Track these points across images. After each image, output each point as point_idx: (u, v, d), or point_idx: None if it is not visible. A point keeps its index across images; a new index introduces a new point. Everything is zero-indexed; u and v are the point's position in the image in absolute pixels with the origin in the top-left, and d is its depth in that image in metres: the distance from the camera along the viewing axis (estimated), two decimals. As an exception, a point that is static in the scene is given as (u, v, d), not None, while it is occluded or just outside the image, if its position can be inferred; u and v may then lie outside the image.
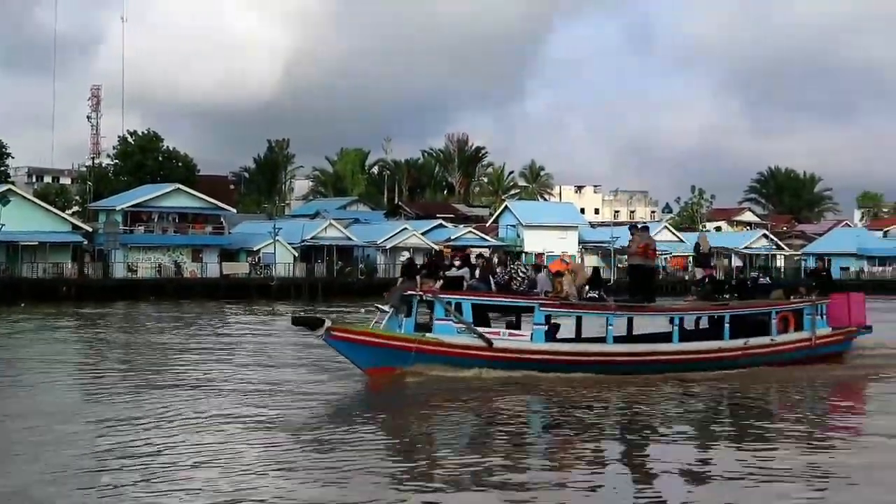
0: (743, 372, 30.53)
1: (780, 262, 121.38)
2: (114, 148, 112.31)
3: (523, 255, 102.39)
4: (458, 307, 28.70)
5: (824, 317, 33.68)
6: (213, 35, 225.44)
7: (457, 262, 30.94)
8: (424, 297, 28.92)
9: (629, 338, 31.81)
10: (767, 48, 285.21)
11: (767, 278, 35.69)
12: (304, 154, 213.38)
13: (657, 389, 27.90)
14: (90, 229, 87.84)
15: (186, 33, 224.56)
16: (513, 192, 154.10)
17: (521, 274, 30.49)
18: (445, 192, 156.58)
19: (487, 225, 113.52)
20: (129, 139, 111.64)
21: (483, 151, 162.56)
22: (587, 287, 30.72)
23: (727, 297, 33.49)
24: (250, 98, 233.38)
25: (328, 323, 28.84)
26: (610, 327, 29.93)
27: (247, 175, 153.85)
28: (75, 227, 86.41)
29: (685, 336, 31.36)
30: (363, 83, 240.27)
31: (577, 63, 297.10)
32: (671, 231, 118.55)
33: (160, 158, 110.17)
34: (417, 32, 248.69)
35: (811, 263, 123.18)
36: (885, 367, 33.22)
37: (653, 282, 33.41)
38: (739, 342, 31.33)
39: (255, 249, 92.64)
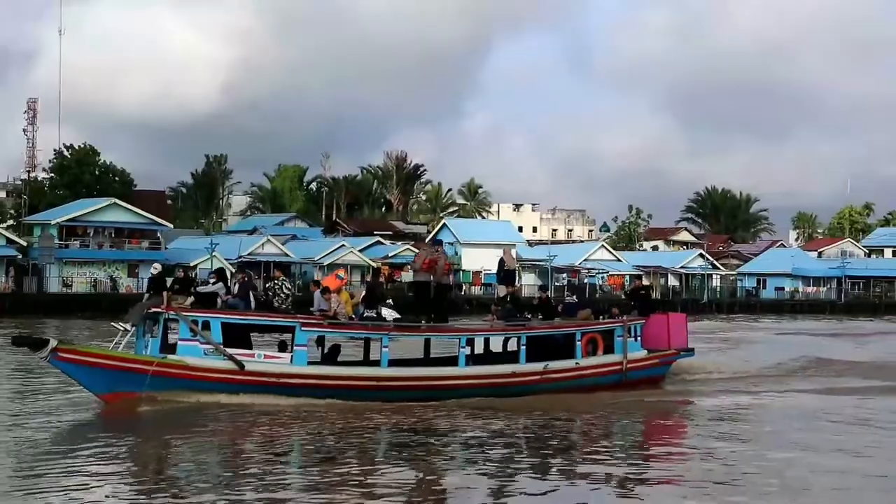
0: (543, 398, 28.12)
1: (715, 282, 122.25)
2: (50, 161, 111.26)
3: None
4: (206, 325, 26.11)
5: (639, 339, 31.52)
6: (151, 49, 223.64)
7: (212, 278, 28.76)
8: (170, 315, 26.37)
9: (426, 361, 29.92)
10: (704, 69, 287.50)
11: (575, 297, 33.86)
12: (242, 170, 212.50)
13: (434, 417, 25.76)
14: (25, 243, 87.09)
15: (124, 47, 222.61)
16: (451, 209, 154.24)
17: (284, 291, 28.66)
18: (383, 209, 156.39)
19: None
20: (66, 153, 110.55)
21: (422, 169, 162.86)
22: (363, 305, 28.64)
23: (530, 316, 31.50)
24: (188, 113, 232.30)
25: (54, 343, 25.59)
26: (384, 349, 27.53)
27: (184, 190, 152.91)
28: (9, 242, 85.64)
29: (477, 359, 29.25)
30: (302, 99, 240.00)
31: (516, 81, 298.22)
32: (608, 250, 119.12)
33: (97, 173, 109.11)
34: (356, 49, 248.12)
35: (747, 283, 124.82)
36: (703, 394, 31.57)
37: (444, 300, 30.80)
38: (538, 366, 29.08)
39: (191, 265, 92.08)
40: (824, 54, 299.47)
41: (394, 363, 28.36)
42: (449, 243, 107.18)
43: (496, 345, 30.47)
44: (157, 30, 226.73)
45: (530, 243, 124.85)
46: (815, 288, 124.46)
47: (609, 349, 30.58)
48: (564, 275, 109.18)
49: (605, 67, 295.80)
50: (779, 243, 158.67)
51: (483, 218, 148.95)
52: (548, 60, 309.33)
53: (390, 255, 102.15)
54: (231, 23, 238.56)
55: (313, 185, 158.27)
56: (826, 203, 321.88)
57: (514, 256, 37.82)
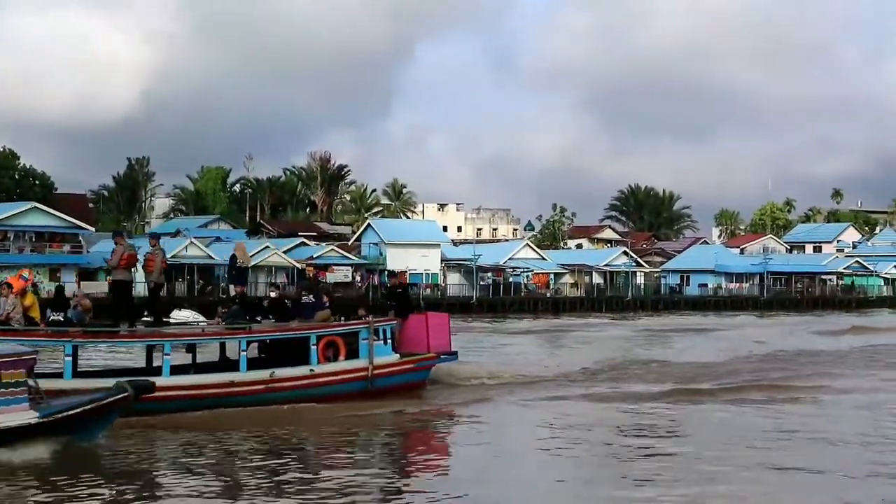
0: (270, 410, 24.88)
1: (639, 280, 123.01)
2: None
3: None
4: None
5: (390, 342, 28.49)
6: (70, 52, 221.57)
7: None
8: None
9: (149, 370, 25.74)
10: (627, 70, 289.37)
11: (312, 297, 29.34)
12: (165, 172, 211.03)
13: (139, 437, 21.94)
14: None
15: (43, 51, 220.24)
16: (376, 210, 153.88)
17: None
18: (308, 210, 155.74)
19: (350, 243, 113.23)
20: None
21: (346, 169, 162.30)
22: (49, 310, 26.01)
23: (259, 318, 28.48)
24: (110, 116, 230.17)
25: None
26: (67, 358, 23.74)
27: (106, 193, 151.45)
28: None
29: (210, 368, 26.76)
30: (225, 101, 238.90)
31: (439, 82, 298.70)
32: (533, 249, 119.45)
33: (16, 177, 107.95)
34: (280, 51, 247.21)
35: (671, 281, 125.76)
36: (462, 404, 28.24)
37: (157, 300, 28.31)
38: (263, 374, 25.93)
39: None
40: (745, 56, 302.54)
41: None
42: (373, 244, 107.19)
43: (232, 351, 26.95)
44: (75, 33, 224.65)
45: (455, 243, 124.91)
46: (737, 284, 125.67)
47: (353, 354, 27.63)
48: (489, 274, 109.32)
49: (528, 68, 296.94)
50: (702, 240, 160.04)
51: (408, 218, 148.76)
52: (471, 61, 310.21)
53: (315, 256, 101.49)
54: (150, 25, 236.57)
55: (237, 187, 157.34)
56: (748, 200, 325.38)
57: (247, 252, 32.58)
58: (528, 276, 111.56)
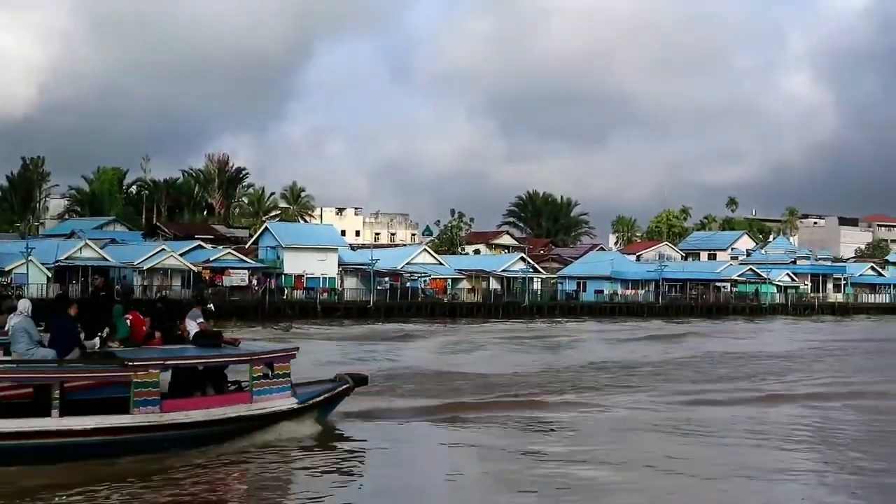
0: None
1: (536, 285, 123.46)
2: None
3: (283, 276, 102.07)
4: None
5: None
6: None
7: None
8: None
9: None
10: (524, 74, 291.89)
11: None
12: (60, 173, 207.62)
13: None
14: None
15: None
16: (273, 213, 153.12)
17: None
18: (205, 213, 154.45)
19: (247, 246, 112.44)
20: None
21: (244, 172, 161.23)
22: None
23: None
24: (3, 115, 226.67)
25: None
26: None
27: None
28: None
29: None
30: (122, 101, 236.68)
31: (337, 86, 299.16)
32: (431, 254, 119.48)
33: None
34: (178, 51, 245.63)
35: (568, 287, 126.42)
36: None
37: None
38: None
39: (6, 270, 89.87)
40: (642, 63, 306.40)
41: None
42: (270, 247, 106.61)
43: None
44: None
45: (353, 247, 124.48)
46: (633, 290, 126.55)
47: None
48: (387, 279, 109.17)
49: (426, 72, 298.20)
50: (598, 247, 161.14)
51: (306, 222, 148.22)
52: (370, 64, 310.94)
53: (212, 259, 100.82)
54: (47, 23, 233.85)
55: (133, 189, 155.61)
56: (645, 207, 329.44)
57: None
58: (425, 281, 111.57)
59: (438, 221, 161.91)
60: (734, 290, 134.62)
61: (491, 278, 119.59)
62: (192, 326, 23.28)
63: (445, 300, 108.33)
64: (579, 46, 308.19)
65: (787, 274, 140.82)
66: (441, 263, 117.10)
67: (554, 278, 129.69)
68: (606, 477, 19.87)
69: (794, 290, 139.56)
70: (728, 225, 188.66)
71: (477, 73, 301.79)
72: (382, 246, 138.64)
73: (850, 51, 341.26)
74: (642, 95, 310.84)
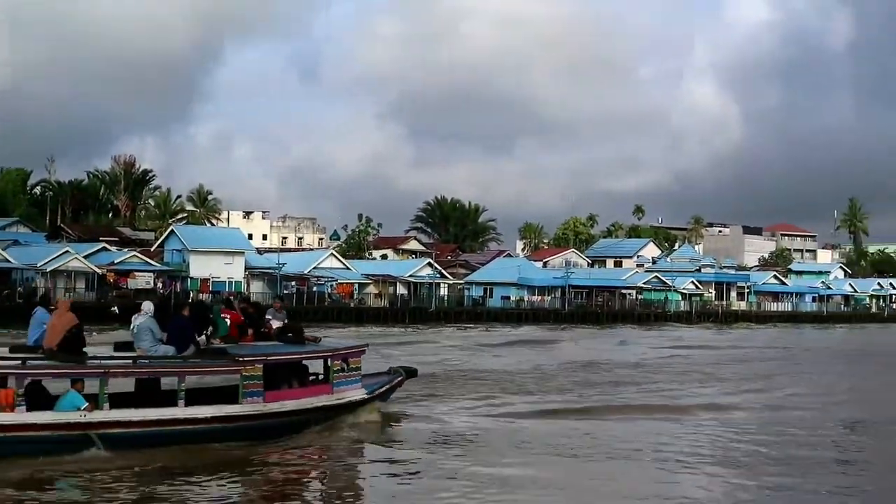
0: None
1: (443, 291, 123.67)
2: None
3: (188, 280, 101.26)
4: None
5: None
6: None
7: None
8: None
9: None
10: (433, 80, 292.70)
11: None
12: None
13: None
14: None
15: None
16: (180, 216, 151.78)
17: None
18: (111, 215, 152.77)
19: (153, 249, 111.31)
20: None
21: (150, 174, 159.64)
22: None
23: None
24: None
25: None
26: None
27: None
28: None
29: None
30: (27, 101, 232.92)
31: (247, 89, 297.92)
32: (338, 258, 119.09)
33: None
34: (84, 52, 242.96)
35: (475, 293, 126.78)
36: None
37: None
38: None
39: None
40: (550, 71, 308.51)
41: None
42: (176, 250, 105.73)
43: None
44: None
45: (260, 251, 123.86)
46: (539, 297, 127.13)
47: None
48: (293, 283, 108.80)
49: (335, 77, 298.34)
50: (506, 253, 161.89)
51: (212, 225, 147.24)
52: (279, 67, 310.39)
53: (116, 261, 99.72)
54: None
55: (37, 190, 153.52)
56: (552, 214, 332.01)
57: None
58: (332, 286, 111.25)
59: (346, 226, 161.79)
60: (640, 297, 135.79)
61: (398, 283, 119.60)
62: (275, 324, 26.15)
63: (352, 305, 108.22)
64: (488, 53, 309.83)
65: (692, 282, 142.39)
66: (348, 268, 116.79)
67: (461, 284, 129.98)
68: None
69: (698, 298, 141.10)
70: (634, 233, 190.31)
71: (386, 77, 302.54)
72: (289, 250, 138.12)
73: (754, 62, 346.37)
74: (551, 102, 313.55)
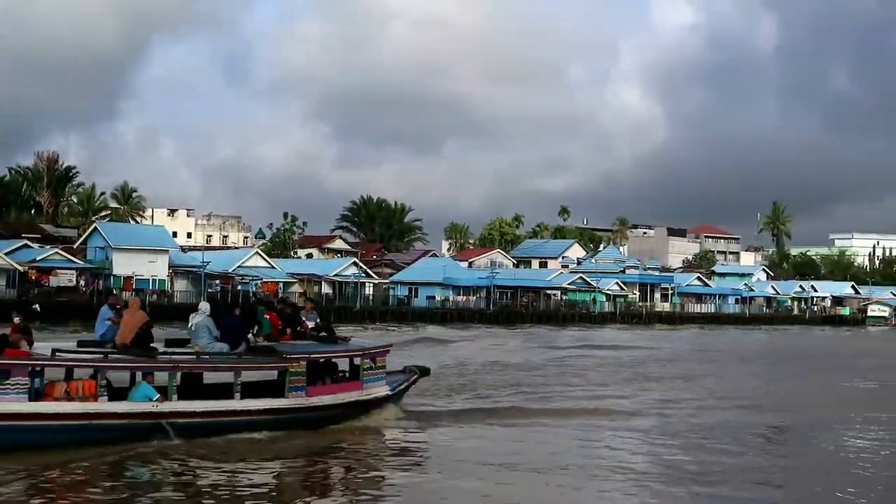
0: None
1: (369, 290, 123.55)
2: None
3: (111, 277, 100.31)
4: None
5: None
6: None
7: None
8: None
9: None
10: (360, 80, 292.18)
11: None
12: None
13: None
14: None
15: None
16: (104, 213, 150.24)
17: None
18: (33, 211, 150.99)
19: (76, 246, 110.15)
20: None
21: (74, 171, 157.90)
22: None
23: None
24: None
25: None
26: None
27: None
28: None
29: None
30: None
31: (172, 86, 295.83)
32: (263, 257, 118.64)
33: None
34: (8, 48, 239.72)
35: (400, 292, 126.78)
36: None
37: None
38: None
39: None
40: (476, 72, 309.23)
41: None
42: (99, 248, 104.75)
43: None
44: None
45: (184, 249, 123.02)
46: (465, 297, 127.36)
47: None
48: (217, 281, 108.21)
49: (262, 76, 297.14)
50: (431, 253, 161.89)
51: (137, 223, 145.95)
52: (206, 65, 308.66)
53: (38, 258, 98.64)
54: None
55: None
56: (478, 214, 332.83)
57: None
58: (256, 285, 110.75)
59: (271, 225, 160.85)
60: (564, 298, 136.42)
61: (323, 282, 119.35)
62: (309, 324, 27.71)
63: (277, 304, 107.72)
64: (416, 53, 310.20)
65: (617, 283, 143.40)
66: (273, 267, 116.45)
67: (386, 283, 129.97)
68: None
69: (622, 299, 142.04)
70: (560, 233, 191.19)
71: (313, 77, 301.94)
72: (214, 248, 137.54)
73: (679, 65, 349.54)
74: (478, 104, 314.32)
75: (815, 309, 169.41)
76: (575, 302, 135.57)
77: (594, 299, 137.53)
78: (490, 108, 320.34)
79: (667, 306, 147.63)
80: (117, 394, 22.17)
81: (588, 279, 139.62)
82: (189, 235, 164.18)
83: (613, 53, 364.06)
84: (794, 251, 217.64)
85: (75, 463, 20.06)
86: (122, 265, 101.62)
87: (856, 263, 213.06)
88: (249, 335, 24.96)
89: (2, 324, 23.72)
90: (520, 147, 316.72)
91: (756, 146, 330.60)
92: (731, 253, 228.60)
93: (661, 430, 27.85)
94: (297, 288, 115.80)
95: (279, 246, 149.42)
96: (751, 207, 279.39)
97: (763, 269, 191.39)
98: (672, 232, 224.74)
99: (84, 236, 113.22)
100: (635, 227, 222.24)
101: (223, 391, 23.47)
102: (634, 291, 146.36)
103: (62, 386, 21.36)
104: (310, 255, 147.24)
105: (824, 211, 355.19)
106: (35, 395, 20.91)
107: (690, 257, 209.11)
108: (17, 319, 23.18)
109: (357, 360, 26.56)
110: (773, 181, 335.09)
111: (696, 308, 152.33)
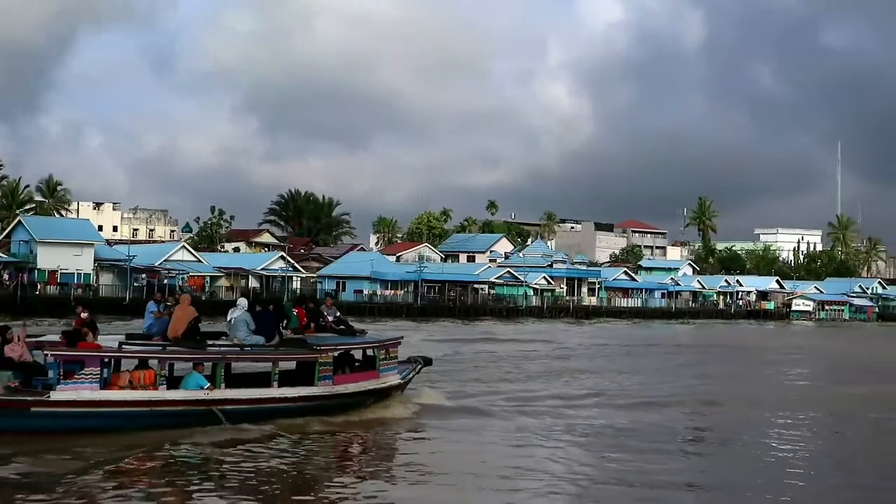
0: None
1: (296, 284, 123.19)
2: None
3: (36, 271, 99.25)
4: None
5: None
6: None
7: None
8: None
9: None
10: (288, 74, 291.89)
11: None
12: None
13: None
14: None
15: None
16: (28, 207, 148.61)
17: None
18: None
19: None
20: None
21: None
22: None
23: None
24: None
25: None
26: None
27: None
28: None
29: None
30: None
31: (99, 79, 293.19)
32: (189, 251, 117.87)
33: None
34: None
35: (328, 286, 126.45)
36: None
37: None
38: None
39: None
40: (404, 67, 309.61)
41: None
42: (23, 241, 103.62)
43: None
44: None
45: (110, 243, 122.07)
46: (392, 291, 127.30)
47: None
48: (144, 275, 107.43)
49: (189, 69, 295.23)
50: (359, 247, 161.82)
51: (62, 216, 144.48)
52: (132, 58, 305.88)
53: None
54: None
55: None
56: (406, 209, 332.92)
57: None
58: (183, 279, 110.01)
59: (198, 218, 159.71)
60: (492, 292, 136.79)
61: (250, 276, 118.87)
62: (330, 319, 29.43)
63: (203, 298, 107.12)
64: (344, 48, 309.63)
65: (544, 277, 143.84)
66: (200, 261, 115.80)
67: (314, 277, 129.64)
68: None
69: (550, 294, 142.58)
70: (488, 228, 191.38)
71: (240, 71, 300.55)
72: (140, 242, 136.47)
73: (607, 61, 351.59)
74: (406, 99, 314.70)
75: (741, 303, 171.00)
76: (502, 296, 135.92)
77: (525, 294, 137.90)
78: (418, 103, 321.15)
79: (594, 301, 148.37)
80: (173, 383, 24.11)
81: (516, 273, 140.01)
82: (115, 229, 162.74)
83: (541, 49, 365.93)
84: (719, 246, 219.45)
85: (139, 449, 21.71)
86: (47, 259, 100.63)
87: (780, 258, 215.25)
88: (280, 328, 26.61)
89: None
90: (448, 142, 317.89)
91: (682, 142, 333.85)
92: (657, 248, 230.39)
93: (564, 430, 27.52)
94: (224, 282, 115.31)
95: (206, 240, 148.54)
96: (677, 203, 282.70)
97: (689, 264, 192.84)
98: (599, 227, 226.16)
99: (8, 230, 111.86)
100: (563, 221, 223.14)
101: (259, 380, 25.59)
102: (562, 286, 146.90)
103: (126, 375, 23.27)
104: (237, 249, 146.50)
105: (749, 206, 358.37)
106: (103, 384, 22.76)
107: (617, 252, 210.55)
108: (84, 314, 25.11)
109: (373, 352, 28.45)
110: (700, 176, 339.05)
111: (623, 302, 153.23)
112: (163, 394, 23.30)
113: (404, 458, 23.03)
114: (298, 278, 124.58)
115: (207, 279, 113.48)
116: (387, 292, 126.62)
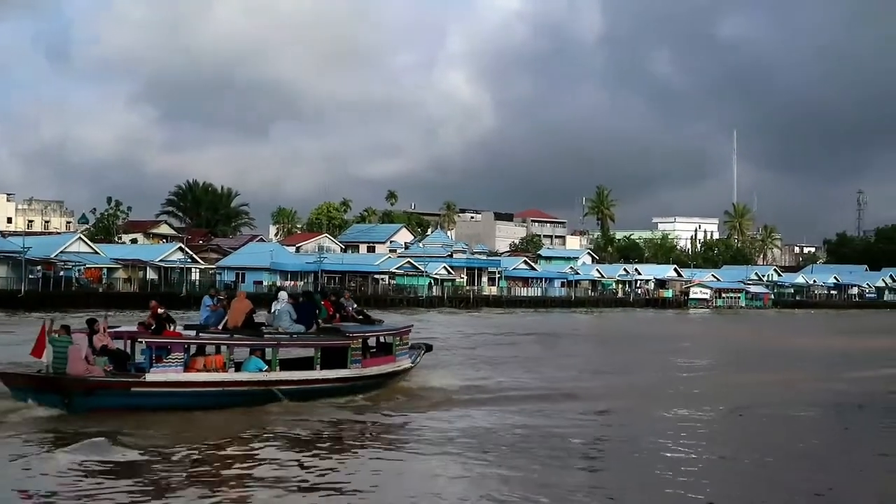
0: None
1: (195, 276, 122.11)
2: None
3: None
4: None
5: None
6: None
7: None
8: None
9: None
10: (185, 63, 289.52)
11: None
12: None
13: None
14: None
15: None
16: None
17: None
18: None
19: None
20: None
21: None
22: None
23: None
24: None
25: None
26: None
27: None
28: None
29: None
30: None
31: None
32: (86, 242, 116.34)
33: None
34: None
35: (227, 277, 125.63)
36: None
37: None
38: None
39: None
40: (303, 57, 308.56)
41: None
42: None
43: None
44: None
45: (4, 234, 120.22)
46: (293, 282, 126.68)
47: None
48: (39, 267, 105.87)
49: (85, 57, 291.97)
50: (258, 238, 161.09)
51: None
52: (25, 46, 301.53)
53: None
54: None
55: None
56: (305, 199, 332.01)
57: None
58: (80, 270, 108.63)
59: (95, 209, 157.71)
60: (392, 282, 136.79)
61: (148, 268, 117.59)
62: (350, 309, 32.65)
63: (100, 290, 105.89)
64: (242, 37, 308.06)
65: (444, 267, 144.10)
66: (97, 252, 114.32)
67: (213, 269, 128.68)
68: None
69: (450, 283, 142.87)
70: (387, 218, 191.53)
71: (137, 60, 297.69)
72: (35, 234, 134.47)
73: (506, 51, 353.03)
74: (305, 89, 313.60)
75: (640, 292, 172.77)
76: (403, 286, 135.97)
77: (429, 285, 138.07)
78: (317, 92, 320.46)
79: (494, 290, 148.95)
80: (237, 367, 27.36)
81: (416, 263, 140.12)
82: (9, 220, 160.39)
83: (440, 38, 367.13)
84: (618, 235, 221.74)
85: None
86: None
87: (678, 247, 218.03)
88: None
89: None
90: (347, 132, 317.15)
91: (582, 132, 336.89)
92: (556, 237, 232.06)
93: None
94: (121, 273, 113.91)
95: (103, 231, 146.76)
96: (577, 192, 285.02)
97: (588, 253, 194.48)
98: (499, 216, 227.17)
99: None
100: (463, 211, 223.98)
101: (297, 364, 28.92)
102: (462, 275, 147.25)
103: (201, 360, 26.83)
104: (134, 241, 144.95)
105: (648, 195, 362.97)
106: (185, 367, 26.04)
107: (517, 241, 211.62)
108: (160, 310, 27.76)
109: (391, 338, 31.78)
110: (599, 166, 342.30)
111: (523, 292, 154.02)
112: (232, 375, 26.82)
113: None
114: (197, 269, 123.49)
115: (104, 271, 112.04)
116: (287, 283, 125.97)
